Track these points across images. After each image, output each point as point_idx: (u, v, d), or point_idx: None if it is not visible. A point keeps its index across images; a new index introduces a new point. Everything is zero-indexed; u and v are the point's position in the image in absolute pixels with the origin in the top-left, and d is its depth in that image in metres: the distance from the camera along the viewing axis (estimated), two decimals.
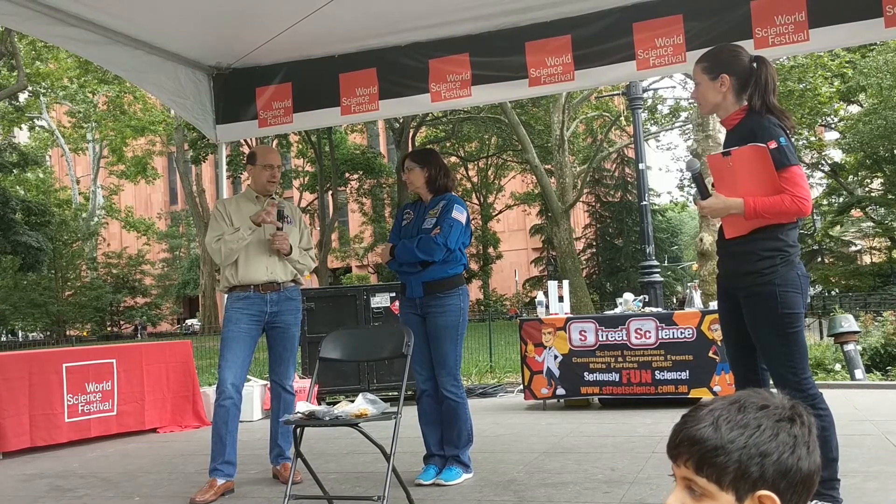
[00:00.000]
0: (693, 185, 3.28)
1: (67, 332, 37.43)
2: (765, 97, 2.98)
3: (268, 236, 4.34)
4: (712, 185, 3.13)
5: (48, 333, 38.09)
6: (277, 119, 5.62)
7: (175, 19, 4.92)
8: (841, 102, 25.57)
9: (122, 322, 45.15)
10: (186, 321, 45.52)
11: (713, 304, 6.44)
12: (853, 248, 36.84)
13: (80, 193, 43.56)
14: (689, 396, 6.17)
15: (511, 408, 7.13)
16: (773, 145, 2.86)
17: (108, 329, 42.67)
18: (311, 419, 3.31)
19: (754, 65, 3.03)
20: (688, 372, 6.26)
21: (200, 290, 35.46)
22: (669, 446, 1.19)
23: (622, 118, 28.01)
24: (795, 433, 1.14)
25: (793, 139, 3.00)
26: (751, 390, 1.22)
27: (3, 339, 39.89)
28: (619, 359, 6.49)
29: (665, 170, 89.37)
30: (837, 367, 8.21)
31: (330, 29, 5.05)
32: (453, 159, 35.60)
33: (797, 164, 2.89)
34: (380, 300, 7.54)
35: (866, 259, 36.67)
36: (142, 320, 44.70)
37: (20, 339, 37.96)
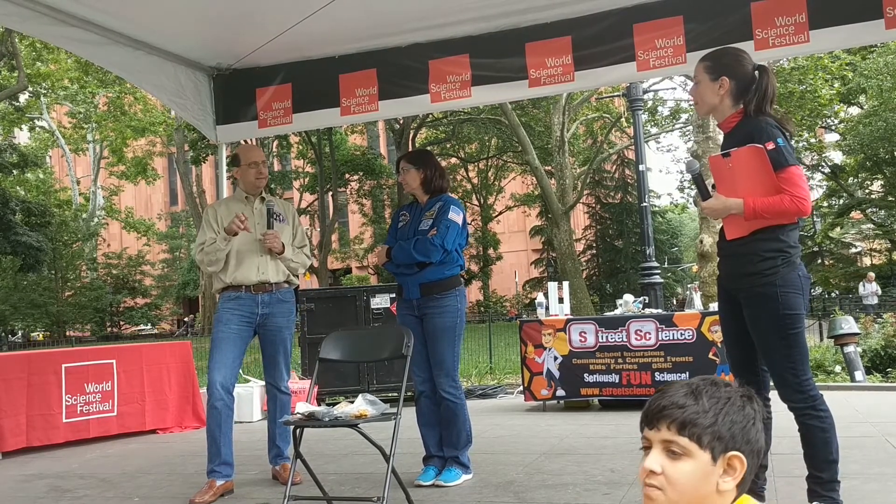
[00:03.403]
0: (694, 185, 3.28)
1: (67, 333, 37.40)
2: (762, 104, 2.97)
3: (258, 236, 4.30)
4: (713, 187, 3.13)
5: (48, 334, 38.06)
6: (277, 120, 5.62)
7: (175, 20, 4.92)
8: (841, 104, 25.58)
9: (122, 323, 45.13)
10: (142, 326, 45.08)
11: (713, 306, 6.44)
12: (853, 250, 36.83)
13: (80, 194, 43.56)
14: None
15: (511, 409, 7.13)
16: (770, 146, 2.85)
17: (108, 330, 42.65)
18: (311, 420, 3.31)
19: (756, 73, 3.02)
20: (688, 373, 6.25)
21: (200, 290, 35.51)
22: (649, 413, 1.34)
23: (622, 120, 28.03)
24: (755, 408, 1.37)
25: (791, 141, 2.99)
26: (709, 377, 1.41)
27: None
28: (619, 360, 6.49)
29: (665, 171, 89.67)
30: (837, 368, 8.21)
31: (330, 30, 5.04)
32: (453, 160, 35.60)
33: (795, 164, 2.89)
34: (380, 301, 7.53)
35: (866, 261, 36.65)
36: (190, 319, 44.61)
37: (20, 341, 37.89)
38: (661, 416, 1.32)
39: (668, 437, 1.30)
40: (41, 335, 39.27)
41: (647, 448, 1.35)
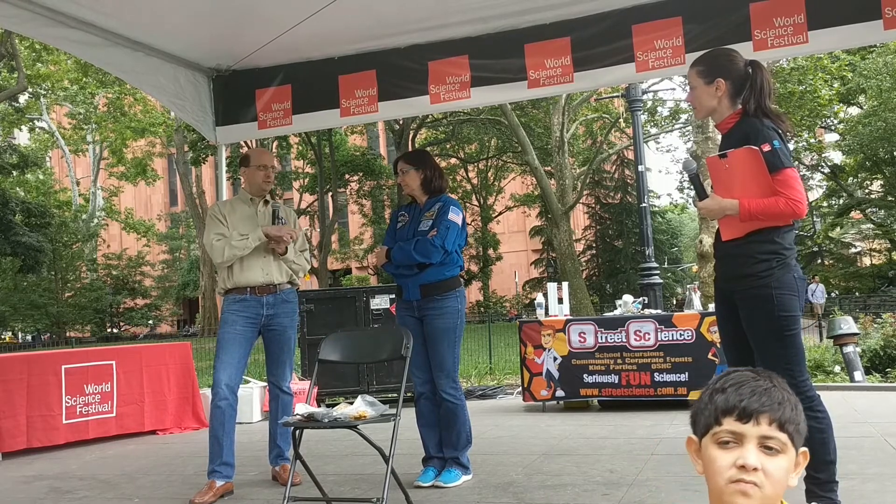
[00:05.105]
0: (691, 185, 3.29)
1: (68, 334, 37.42)
2: (760, 101, 2.98)
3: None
4: (711, 187, 3.13)
5: (47, 335, 38.07)
6: (277, 121, 5.63)
7: (175, 21, 4.93)
8: (841, 104, 25.58)
9: (121, 323, 45.12)
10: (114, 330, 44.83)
11: (712, 307, 6.44)
12: (853, 250, 36.86)
13: (80, 195, 43.59)
14: (689, 398, 6.17)
15: (510, 410, 7.13)
16: (766, 148, 2.86)
17: (109, 330, 42.65)
18: (310, 421, 3.31)
19: (749, 69, 3.03)
20: (687, 374, 6.26)
21: (200, 291, 35.49)
22: (748, 407, 1.28)
23: (622, 120, 28.03)
24: None
25: (789, 142, 2.99)
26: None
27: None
28: (619, 361, 6.49)
29: (665, 172, 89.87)
30: (837, 368, 8.22)
31: (329, 31, 5.05)
32: (453, 161, 35.59)
33: (791, 166, 2.89)
34: (379, 302, 7.54)
35: (866, 261, 36.68)
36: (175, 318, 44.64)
37: (20, 342, 37.91)
38: (763, 411, 1.28)
39: (768, 432, 1.27)
40: (8, 337, 39.32)
41: (726, 442, 1.29)
